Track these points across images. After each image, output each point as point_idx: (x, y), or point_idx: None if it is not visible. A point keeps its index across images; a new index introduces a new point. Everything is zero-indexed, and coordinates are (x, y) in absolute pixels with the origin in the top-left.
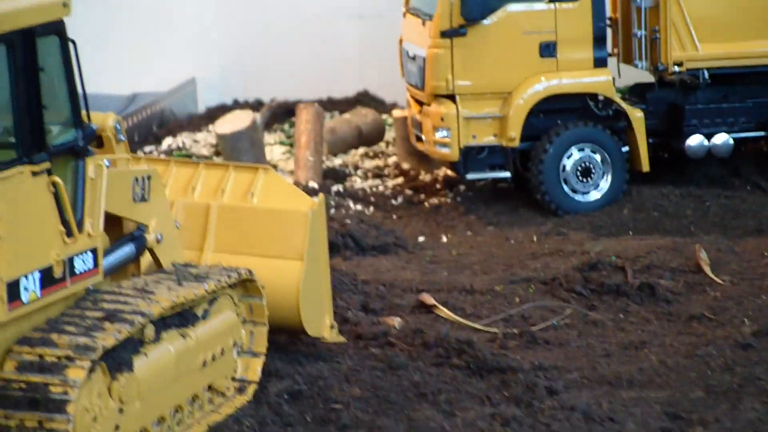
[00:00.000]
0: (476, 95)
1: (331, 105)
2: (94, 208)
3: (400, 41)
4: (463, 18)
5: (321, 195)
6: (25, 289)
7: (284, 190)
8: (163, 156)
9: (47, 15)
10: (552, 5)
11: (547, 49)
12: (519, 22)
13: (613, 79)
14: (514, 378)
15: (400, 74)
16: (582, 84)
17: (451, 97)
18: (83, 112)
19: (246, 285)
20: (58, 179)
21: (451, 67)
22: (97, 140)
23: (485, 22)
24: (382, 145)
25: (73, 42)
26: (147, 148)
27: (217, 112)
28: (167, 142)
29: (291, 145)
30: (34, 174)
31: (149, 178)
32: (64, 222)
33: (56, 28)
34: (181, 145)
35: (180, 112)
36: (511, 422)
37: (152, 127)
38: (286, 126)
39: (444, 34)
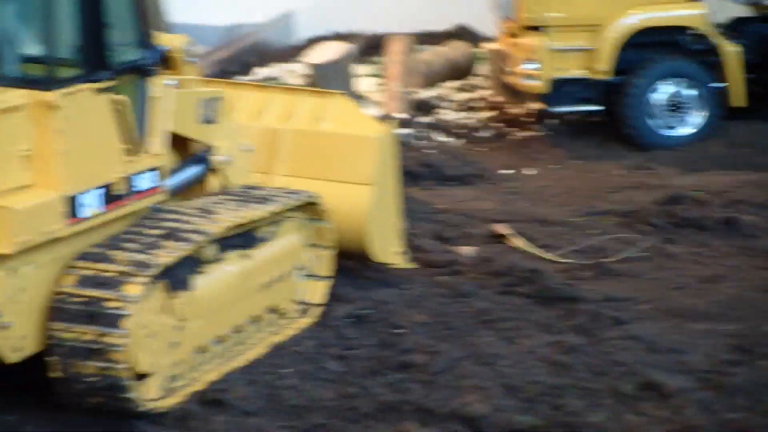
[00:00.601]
0: (567, 27)
1: (427, 38)
2: (158, 127)
3: None
4: None
5: (393, 122)
6: (86, 204)
7: (355, 115)
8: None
9: None
10: None
11: None
12: None
13: (709, 13)
14: (580, 308)
15: (491, 7)
16: (675, 17)
17: (541, 29)
18: (151, 33)
19: (312, 208)
20: (121, 97)
21: None
22: (166, 61)
23: None
24: (477, 79)
25: None
26: (242, 78)
27: (312, 44)
28: (262, 71)
29: (382, 76)
30: (98, 91)
31: (218, 100)
32: (127, 140)
33: None
34: (274, 75)
35: (276, 44)
36: (572, 350)
37: (248, 57)
38: (380, 58)
39: None
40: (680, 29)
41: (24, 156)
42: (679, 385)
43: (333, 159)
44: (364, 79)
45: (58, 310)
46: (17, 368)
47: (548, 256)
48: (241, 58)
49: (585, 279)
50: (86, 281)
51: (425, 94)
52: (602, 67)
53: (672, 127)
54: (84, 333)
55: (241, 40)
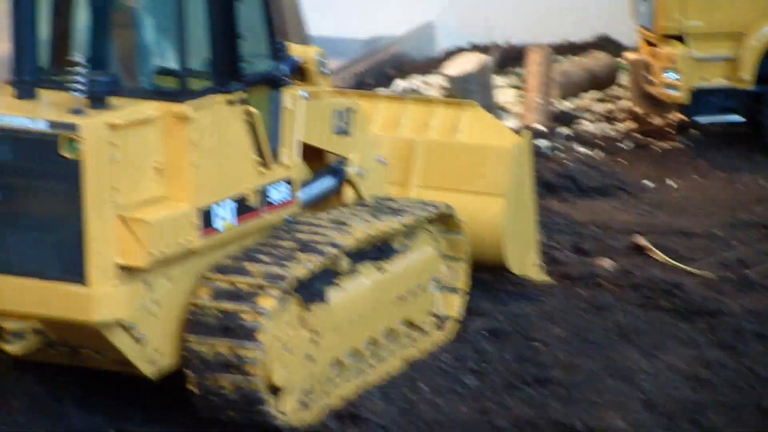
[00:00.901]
0: (707, 35)
1: (568, 49)
2: (290, 138)
3: None
4: None
5: (527, 132)
6: (219, 217)
7: (489, 125)
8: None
9: None
10: None
11: None
12: None
13: None
14: (722, 322)
15: (631, 16)
16: None
17: (682, 38)
18: (283, 44)
19: (446, 220)
20: (253, 109)
21: (683, 7)
22: (299, 72)
23: None
24: (617, 89)
25: None
26: (380, 90)
27: (452, 56)
28: (400, 84)
29: (521, 88)
30: (230, 103)
31: (352, 111)
32: (259, 152)
33: None
34: (412, 87)
35: (416, 56)
36: (713, 365)
37: (386, 69)
38: (519, 69)
39: None
40: None
41: (157, 168)
42: None
43: (467, 170)
44: (503, 91)
45: (192, 322)
46: (156, 382)
47: (689, 268)
48: (381, 71)
49: (727, 292)
50: (221, 294)
51: (565, 105)
52: (745, 76)
53: None
54: (218, 346)
55: (381, 53)
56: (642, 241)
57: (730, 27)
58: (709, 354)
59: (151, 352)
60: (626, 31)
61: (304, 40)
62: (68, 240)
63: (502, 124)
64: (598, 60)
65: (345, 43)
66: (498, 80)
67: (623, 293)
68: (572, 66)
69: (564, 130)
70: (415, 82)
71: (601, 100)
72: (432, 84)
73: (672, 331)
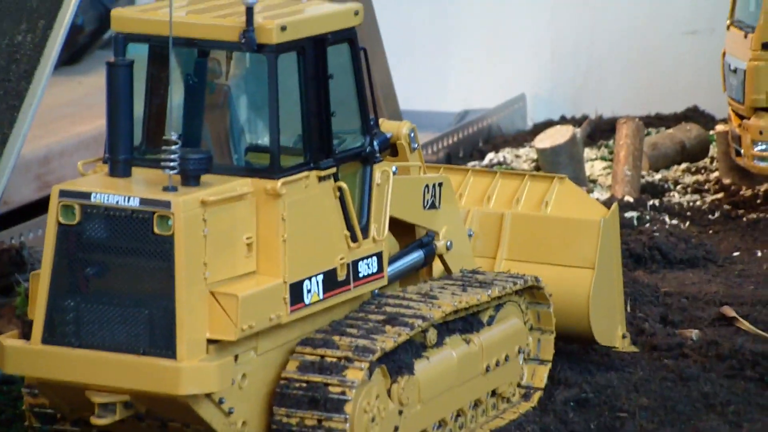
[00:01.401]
0: None
1: (658, 121)
2: (379, 213)
3: (723, 54)
4: None
5: (614, 205)
6: (308, 291)
7: (578, 198)
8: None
9: (339, 23)
10: None
11: None
12: None
13: None
14: None
15: (722, 89)
16: None
17: None
18: (374, 120)
19: (533, 292)
20: (343, 184)
21: None
22: (391, 148)
23: None
24: (707, 160)
25: (364, 50)
26: (470, 163)
27: (543, 128)
28: (490, 156)
29: (611, 160)
30: (320, 179)
31: (440, 185)
32: (349, 226)
33: (347, 36)
34: (502, 159)
35: (508, 128)
36: None
37: (479, 142)
38: (610, 142)
39: (765, 46)
40: None
41: (248, 243)
42: None
43: (555, 242)
44: (592, 163)
45: (280, 395)
46: None
47: None
48: (472, 143)
49: None
50: (308, 366)
51: (655, 176)
52: None
53: None
54: (306, 419)
55: (472, 125)
56: (729, 311)
57: None
58: None
59: (239, 425)
60: (717, 103)
61: (396, 114)
62: (159, 315)
63: (590, 197)
64: (688, 132)
65: (437, 117)
66: (588, 153)
67: (709, 363)
68: (662, 138)
69: (653, 201)
70: (506, 154)
71: (691, 172)
72: (522, 156)
73: (757, 401)
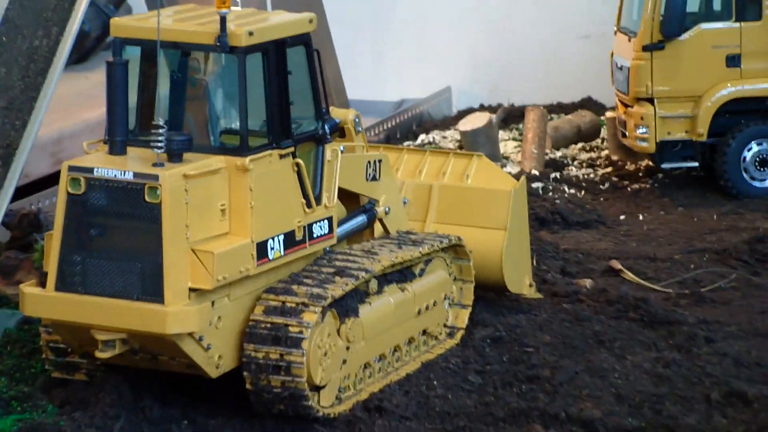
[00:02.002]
0: (671, 98)
1: (559, 108)
2: (330, 185)
3: (611, 54)
4: (662, 35)
5: (522, 177)
6: (272, 248)
7: (493, 173)
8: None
9: (296, 29)
10: (738, 24)
11: (733, 61)
12: (709, 38)
13: None
14: (679, 329)
15: (611, 82)
16: (762, 89)
17: (650, 100)
18: (325, 108)
19: (457, 249)
20: (300, 161)
21: (651, 75)
22: (340, 131)
23: (681, 37)
24: (598, 141)
25: (317, 51)
26: (405, 143)
27: (465, 114)
28: (421, 138)
29: (521, 140)
30: (281, 156)
31: (380, 161)
32: (305, 195)
33: (304, 40)
34: (431, 140)
35: (436, 114)
36: (671, 364)
37: (412, 126)
38: (520, 125)
39: (645, 48)
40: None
41: (222, 209)
42: (761, 393)
43: (474, 209)
44: (506, 143)
45: (249, 334)
46: (219, 382)
47: (654, 286)
48: (407, 127)
49: (684, 306)
50: (272, 310)
51: (556, 154)
52: (701, 131)
53: (761, 180)
54: (271, 353)
55: (407, 112)
56: (616, 264)
57: (690, 91)
58: (668, 355)
59: (215, 358)
60: (606, 94)
61: (344, 103)
62: (150, 268)
63: (503, 171)
64: (583, 117)
65: (378, 105)
66: (502, 134)
67: (600, 307)
68: (562, 122)
69: (554, 174)
70: (435, 136)
71: (585, 150)
72: (448, 137)
73: (638, 338)
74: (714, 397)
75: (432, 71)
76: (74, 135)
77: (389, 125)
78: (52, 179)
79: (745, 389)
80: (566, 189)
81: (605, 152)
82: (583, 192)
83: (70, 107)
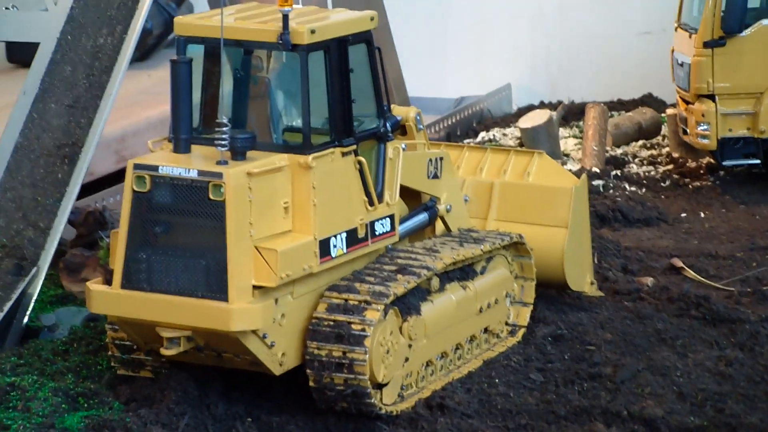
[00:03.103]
0: (732, 95)
1: (620, 105)
2: (391, 182)
3: (672, 51)
4: (723, 31)
5: (583, 175)
6: (334, 246)
7: (554, 170)
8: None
9: (358, 27)
10: None
11: None
12: None
13: None
14: (741, 327)
15: (671, 79)
16: None
17: (711, 97)
18: (387, 106)
19: (518, 247)
20: (362, 158)
21: (712, 72)
22: (401, 129)
23: (742, 34)
24: (659, 138)
25: (379, 49)
26: (466, 140)
27: (525, 111)
28: (482, 135)
29: (581, 137)
30: (343, 154)
31: (441, 159)
32: (367, 193)
33: (365, 38)
34: (492, 137)
35: (496, 111)
36: (733, 363)
37: (473, 123)
38: (580, 122)
39: (707, 45)
40: None
41: (285, 207)
42: None
43: (535, 206)
44: (566, 140)
45: (312, 332)
46: (283, 379)
47: (716, 284)
48: (467, 124)
49: (746, 304)
50: (335, 308)
51: (617, 151)
52: (763, 127)
53: None
54: (334, 350)
55: (467, 109)
56: (678, 262)
57: (751, 88)
58: (730, 354)
59: (279, 356)
60: (667, 91)
61: (405, 100)
62: (214, 265)
63: (564, 169)
64: (644, 114)
65: (439, 102)
66: (562, 132)
67: (661, 305)
68: (623, 119)
69: (615, 172)
70: (495, 133)
71: (646, 147)
72: (508, 135)
73: (700, 336)
74: None
75: (492, 68)
76: (137, 132)
77: (450, 122)
78: (116, 176)
79: None
80: (627, 186)
81: (666, 149)
82: (643, 189)
83: (132, 105)
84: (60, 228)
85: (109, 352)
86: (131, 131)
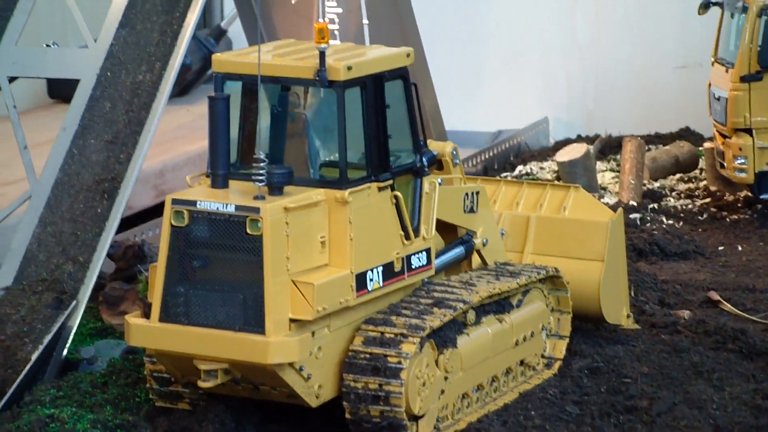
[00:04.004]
0: None
1: (657, 139)
2: (428, 216)
3: (709, 85)
4: (759, 65)
5: (620, 209)
6: (371, 279)
7: (590, 204)
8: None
9: (394, 63)
10: None
11: None
12: None
13: None
14: None
15: (708, 113)
16: None
17: (748, 131)
18: (423, 141)
19: (554, 280)
20: (398, 193)
21: (749, 106)
22: (437, 164)
23: None
24: (696, 172)
25: (415, 85)
26: (503, 174)
27: (562, 145)
28: (519, 168)
29: (618, 171)
30: (380, 189)
31: (477, 193)
32: (403, 227)
33: (401, 74)
34: (529, 171)
35: (533, 145)
36: None
37: (510, 156)
38: (617, 156)
39: (743, 79)
40: None
41: (322, 241)
42: None
43: (572, 240)
44: (603, 173)
45: (348, 364)
46: (319, 411)
47: (753, 317)
48: (504, 158)
49: None
50: (371, 341)
51: (654, 185)
52: None
53: None
54: (370, 383)
55: (504, 143)
56: (714, 295)
57: None
58: (766, 387)
59: (315, 388)
60: (704, 125)
61: (442, 134)
62: (251, 299)
63: (600, 203)
64: (681, 148)
65: (475, 136)
66: (599, 165)
67: (698, 338)
68: (660, 153)
69: (652, 205)
70: (532, 167)
71: (683, 181)
72: (545, 168)
73: (737, 369)
74: None
75: (529, 102)
76: (176, 167)
77: (486, 156)
78: (155, 211)
79: None
80: (664, 220)
81: (703, 183)
82: (681, 223)
83: (171, 140)
84: (99, 262)
85: (147, 385)
86: (170, 166)
